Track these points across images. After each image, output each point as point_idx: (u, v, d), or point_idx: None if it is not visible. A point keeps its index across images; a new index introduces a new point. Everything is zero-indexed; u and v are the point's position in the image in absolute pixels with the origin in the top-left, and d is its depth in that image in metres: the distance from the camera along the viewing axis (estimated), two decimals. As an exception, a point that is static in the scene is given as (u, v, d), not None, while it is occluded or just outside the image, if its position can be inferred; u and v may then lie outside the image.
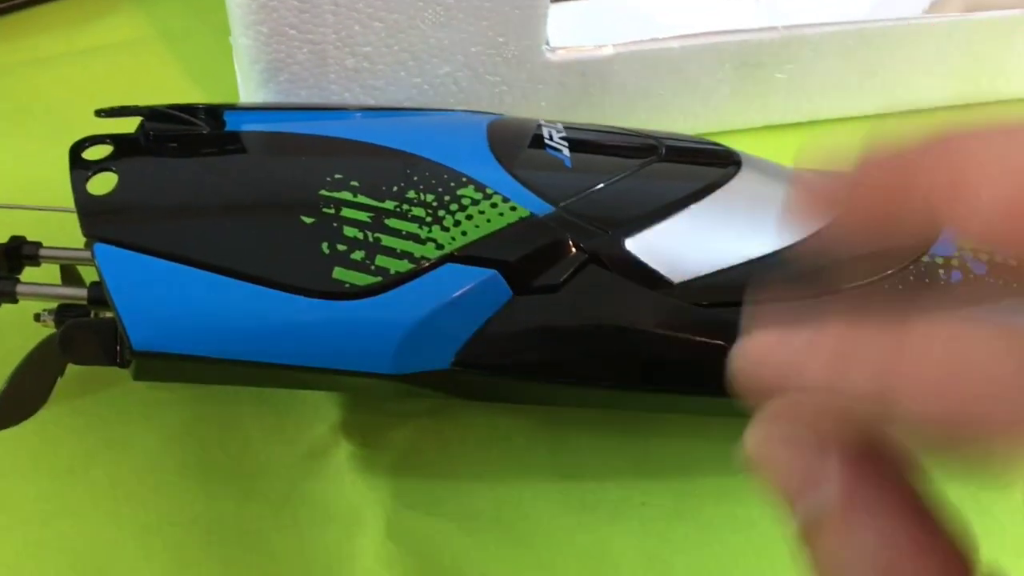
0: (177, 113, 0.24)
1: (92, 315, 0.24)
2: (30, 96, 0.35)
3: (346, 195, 0.23)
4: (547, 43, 0.32)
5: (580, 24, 0.33)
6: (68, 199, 0.23)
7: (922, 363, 0.12)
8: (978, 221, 0.13)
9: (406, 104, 0.32)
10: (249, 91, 0.32)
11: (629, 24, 0.33)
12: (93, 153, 0.23)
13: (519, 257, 0.23)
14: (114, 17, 0.40)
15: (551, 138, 0.26)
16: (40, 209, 0.26)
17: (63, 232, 0.25)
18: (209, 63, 0.36)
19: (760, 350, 0.14)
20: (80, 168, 0.23)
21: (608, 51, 0.33)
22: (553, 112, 0.33)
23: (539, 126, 0.26)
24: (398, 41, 0.30)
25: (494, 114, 0.28)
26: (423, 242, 0.22)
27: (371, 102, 0.32)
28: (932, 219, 0.14)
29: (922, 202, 0.14)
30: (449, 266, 0.22)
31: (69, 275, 0.27)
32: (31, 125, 0.34)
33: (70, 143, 0.24)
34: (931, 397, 0.12)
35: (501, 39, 0.31)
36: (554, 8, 0.32)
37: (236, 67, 0.33)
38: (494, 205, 0.23)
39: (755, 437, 0.14)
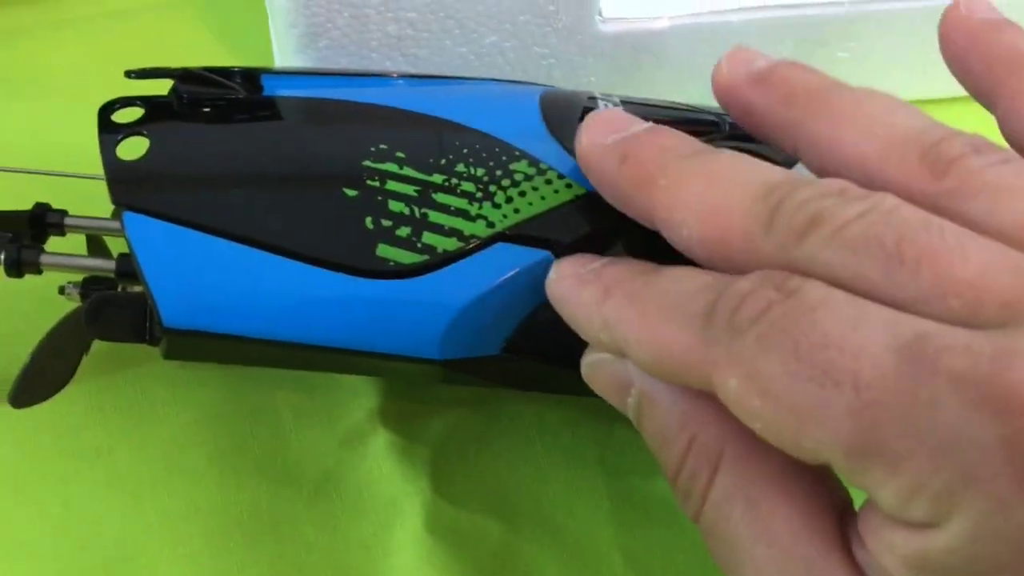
0: (212, 76, 0.23)
1: (120, 289, 0.23)
2: (55, 59, 0.34)
3: (392, 167, 0.21)
4: (600, 13, 0.31)
5: (634, -7, 0.32)
6: (95, 166, 0.21)
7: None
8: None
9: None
10: (285, 58, 0.30)
11: (686, -6, 0.31)
12: (123, 116, 0.22)
13: (575, 238, 0.21)
14: (144, -21, 0.38)
15: None
16: (66, 175, 0.24)
17: (90, 201, 0.24)
18: (243, 28, 0.35)
19: None
20: (109, 131, 0.21)
21: (663, 23, 0.31)
22: (603, 87, 0.32)
23: (594, 99, 0.25)
24: (444, 7, 0.29)
25: (545, 85, 0.26)
26: (473, 219, 0.21)
27: (414, 72, 0.30)
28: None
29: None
30: (500, 245, 0.21)
31: (96, 246, 0.25)
32: (56, 89, 0.33)
33: (97, 108, 0.22)
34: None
35: (552, 7, 0.30)
36: (608, -24, 0.30)
37: (272, 32, 0.32)
38: (549, 181, 0.22)
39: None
